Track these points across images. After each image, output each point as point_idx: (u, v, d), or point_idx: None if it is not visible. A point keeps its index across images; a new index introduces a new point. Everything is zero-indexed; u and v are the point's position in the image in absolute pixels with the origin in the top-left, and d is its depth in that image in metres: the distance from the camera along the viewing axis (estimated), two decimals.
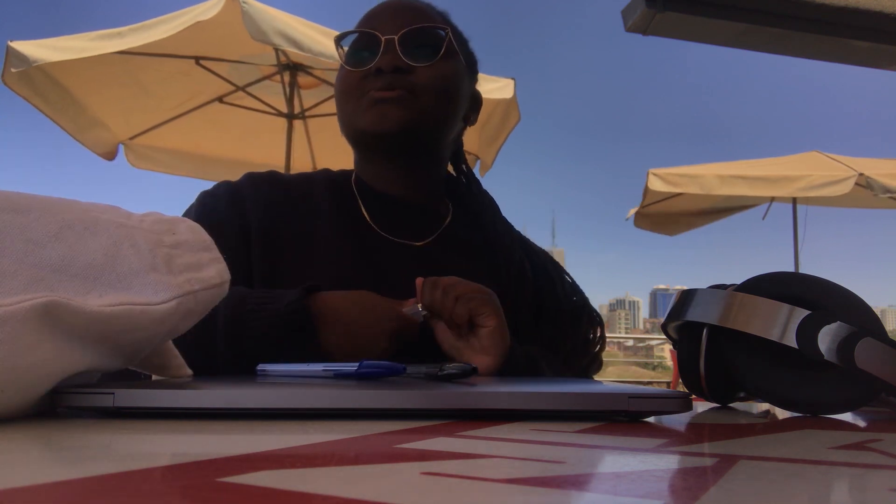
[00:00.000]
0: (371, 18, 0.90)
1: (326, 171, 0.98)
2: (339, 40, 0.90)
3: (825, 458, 0.29)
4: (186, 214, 0.86)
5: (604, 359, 0.95)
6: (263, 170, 0.94)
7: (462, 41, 0.95)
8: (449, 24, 0.94)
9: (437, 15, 0.93)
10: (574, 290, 0.96)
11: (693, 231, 6.30)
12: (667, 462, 0.27)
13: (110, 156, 3.75)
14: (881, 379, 0.46)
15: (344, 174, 0.96)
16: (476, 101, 0.99)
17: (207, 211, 0.85)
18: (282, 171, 1.03)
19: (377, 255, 0.85)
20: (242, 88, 3.61)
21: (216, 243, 0.46)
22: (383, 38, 0.86)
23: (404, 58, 0.85)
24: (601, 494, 0.20)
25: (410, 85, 0.85)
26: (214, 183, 0.91)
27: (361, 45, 0.89)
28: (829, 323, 0.47)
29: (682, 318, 0.55)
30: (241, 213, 0.85)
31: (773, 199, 5.67)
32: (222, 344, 0.67)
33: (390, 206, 0.89)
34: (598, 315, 0.97)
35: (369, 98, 0.85)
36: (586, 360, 0.93)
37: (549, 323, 0.91)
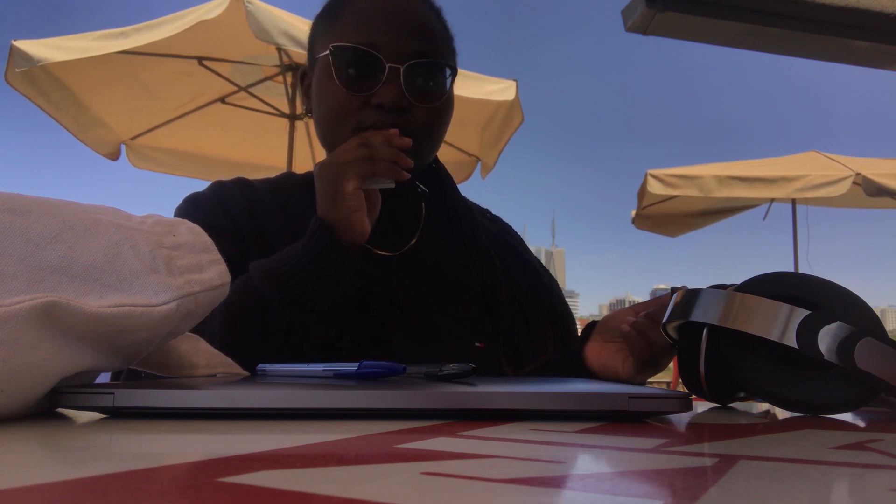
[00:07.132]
0: (372, 21, 0.81)
1: (291, 175, 0.94)
2: (334, 49, 0.81)
3: (825, 458, 0.29)
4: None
5: None
6: (264, 171, 0.92)
7: (452, 42, 0.89)
8: (442, 21, 0.88)
9: (439, 23, 0.87)
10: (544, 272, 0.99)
11: (693, 231, 6.30)
12: (667, 462, 0.27)
13: (114, 156, 3.76)
14: (881, 379, 0.46)
15: (312, 180, 0.93)
16: None
17: (201, 215, 0.83)
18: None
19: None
20: (245, 89, 3.61)
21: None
22: (387, 66, 0.79)
23: (407, 94, 0.80)
24: (601, 494, 0.20)
25: (409, 130, 0.79)
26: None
27: (359, 60, 0.81)
28: (829, 323, 0.47)
29: (681, 318, 0.55)
30: (232, 217, 0.84)
31: (772, 199, 5.67)
32: (291, 311, 0.71)
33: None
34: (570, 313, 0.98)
35: None
36: (534, 363, 0.87)
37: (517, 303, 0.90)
